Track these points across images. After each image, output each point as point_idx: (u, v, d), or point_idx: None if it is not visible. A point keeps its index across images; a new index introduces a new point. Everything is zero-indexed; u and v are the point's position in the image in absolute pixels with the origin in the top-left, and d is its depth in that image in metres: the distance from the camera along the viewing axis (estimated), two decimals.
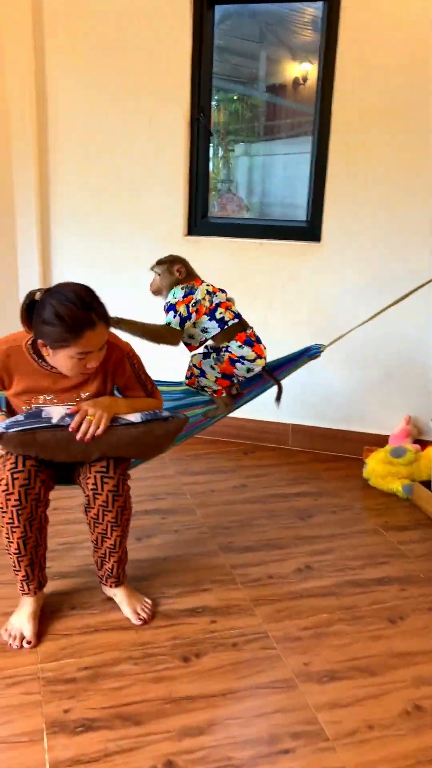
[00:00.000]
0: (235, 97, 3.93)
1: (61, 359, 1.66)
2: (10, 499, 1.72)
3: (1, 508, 1.74)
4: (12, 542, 1.78)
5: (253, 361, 2.26)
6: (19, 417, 1.73)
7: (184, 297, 2.20)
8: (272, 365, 2.38)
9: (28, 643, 1.84)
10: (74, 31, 3.04)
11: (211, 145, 3.19)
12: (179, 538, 2.44)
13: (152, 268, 2.29)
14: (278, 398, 2.42)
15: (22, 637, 1.85)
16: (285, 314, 3.14)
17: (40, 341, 1.66)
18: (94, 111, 3.12)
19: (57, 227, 3.31)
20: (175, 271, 2.25)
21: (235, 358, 2.25)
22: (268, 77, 3.86)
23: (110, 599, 2.04)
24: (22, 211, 3.25)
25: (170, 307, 2.19)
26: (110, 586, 1.99)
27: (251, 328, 2.30)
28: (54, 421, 1.70)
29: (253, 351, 2.25)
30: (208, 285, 2.26)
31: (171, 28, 2.94)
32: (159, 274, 2.28)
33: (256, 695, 1.71)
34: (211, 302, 2.23)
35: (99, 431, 1.71)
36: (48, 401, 1.80)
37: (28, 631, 1.86)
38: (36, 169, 3.19)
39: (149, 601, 2.01)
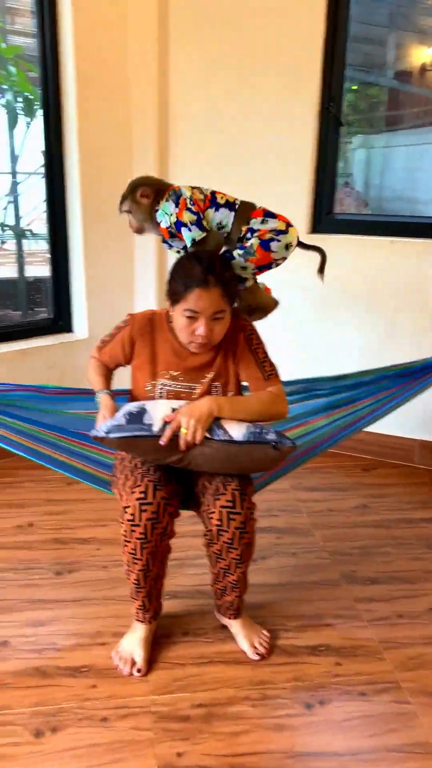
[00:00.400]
0: (354, 87, 3.69)
1: (176, 316, 1.66)
2: (135, 531, 1.60)
3: (125, 537, 1.63)
4: (132, 572, 1.68)
5: (285, 232, 1.79)
6: (121, 418, 1.62)
7: (177, 205, 1.78)
8: (390, 373, 2.12)
9: (138, 671, 1.73)
10: (198, 16, 2.91)
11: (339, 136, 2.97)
12: (297, 563, 2.26)
13: (120, 211, 1.89)
14: (321, 269, 1.97)
15: (133, 663, 1.74)
16: (415, 320, 2.87)
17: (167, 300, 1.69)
18: (217, 99, 2.98)
19: None
20: (141, 198, 1.82)
21: (266, 237, 1.78)
22: (396, 63, 3.58)
23: (224, 627, 1.89)
24: None
25: (178, 225, 1.77)
26: (227, 617, 1.85)
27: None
28: (155, 429, 1.59)
29: (279, 220, 1.80)
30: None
31: (303, 12, 2.75)
32: (129, 212, 1.85)
33: (388, 759, 1.50)
34: (203, 192, 1.81)
35: (197, 439, 1.58)
36: (174, 378, 1.72)
37: (139, 657, 1.75)
38: (156, 158, 3.10)
39: (267, 634, 1.85)
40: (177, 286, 1.63)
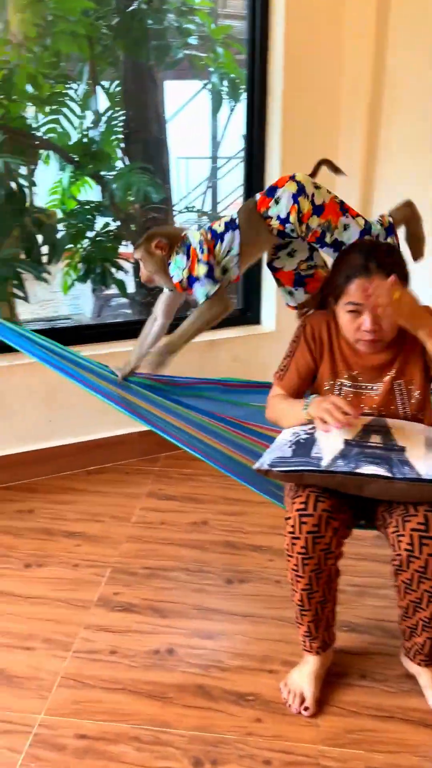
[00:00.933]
0: None
1: (340, 313, 1.56)
2: (296, 545, 1.44)
3: (287, 551, 1.47)
4: (296, 591, 1.51)
5: (288, 216, 1.70)
6: (287, 450, 1.46)
7: (188, 258, 1.75)
8: None
9: (306, 709, 1.56)
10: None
11: None
12: None
13: (132, 259, 1.85)
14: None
15: (302, 700, 1.58)
16: None
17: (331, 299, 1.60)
18: None
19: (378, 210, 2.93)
20: (155, 249, 1.78)
21: (281, 229, 1.73)
22: None
23: (410, 676, 1.65)
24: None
25: (191, 282, 1.75)
26: (416, 664, 1.60)
27: None
28: (323, 464, 1.40)
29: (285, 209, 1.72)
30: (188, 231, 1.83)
31: None
32: (140, 261, 1.83)
33: None
34: (207, 230, 1.78)
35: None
36: (353, 377, 1.60)
37: (308, 693, 1.58)
38: (363, 149, 2.84)
39: None
40: (336, 279, 1.55)
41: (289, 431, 1.55)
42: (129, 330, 2.61)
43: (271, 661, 1.73)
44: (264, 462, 1.47)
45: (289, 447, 1.47)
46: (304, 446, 1.46)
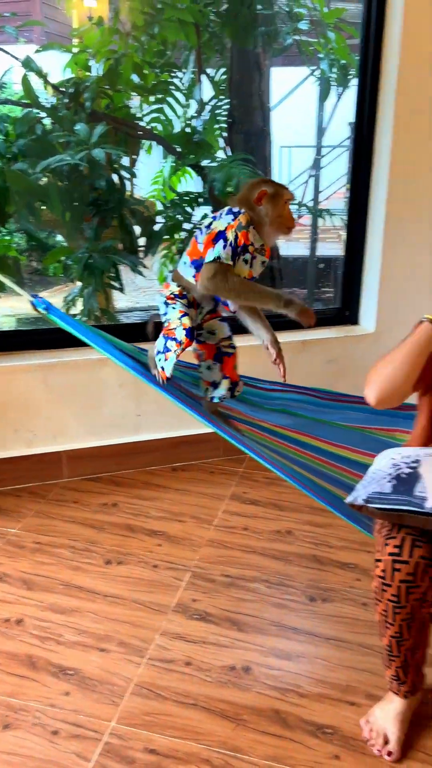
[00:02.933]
0: None
1: None
2: (386, 591, 1.30)
3: (376, 596, 1.34)
4: (384, 636, 1.38)
5: None
6: (386, 484, 1.31)
7: (234, 218, 1.66)
8: None
9: (389, 754, 1.44)
10: None
11: None
12: None
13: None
14: None
15: (386, 741, 1.46)
16: None
17: None
18: None
19: None
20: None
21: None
22: None
23: None
24: None
25: (218, 236, 1.64)
26: None
27: None
28: (428, 505, 1.23)
29: None
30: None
31: None
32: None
33: None
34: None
35: None
36: None
37: (393, 735, 1.46)
38: None
39: None
40: None
41: (388, 462, 1.39)
42: None
43: (354, 692, 1.62)
44: (359, 496, 1.33)
45: (389, 481, 1.32)
46: (406, 482, 1.31)
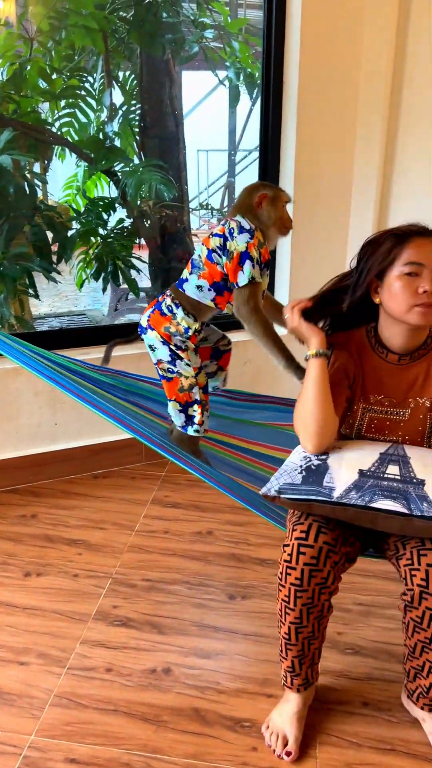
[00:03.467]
0: None
1: (392, 285, 1.40)
2: (291, 575, 1.36)
3: (280, 581, 1.40)
4: (284, 623, 1.43)
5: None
6: (296, 476, 1.38)
7: (251, 236, 1.70)
8: None
9: (288, 754, 1.47)
10: None
11: None
12: None
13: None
14: None
15: (285, 743, 1.49)
16: None
17: (372, 287, 1.45)
18: None
19: (395, 211, 2.84)
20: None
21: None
22: None
23: None
24: (361, 190, 2.85)
25: (243, 257, 1.68)
26: (420, 708, 1.52)
27: None
28: (335, 495, 1.32)
29: None
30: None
31: None
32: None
33: None
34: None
35: None
36: (379, 402, 1.50)
37: (291, 735, 1.49)
38: (380, 149, 2.75)
39: None
40: (388, 246, 1.40)
41: (299, 455, 1.46)
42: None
43: (271, 684, 1.67)
44: (271, 487, 1.39)
45: (299, 473, 1.39)
46: (315, 473, 1.38)
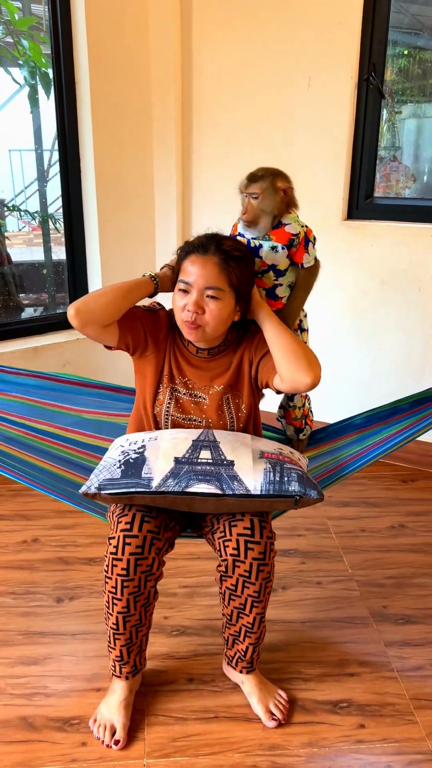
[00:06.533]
0: (406, 52, 3.32)
1: (174, 297, 1.50)
2: (117, 566, 1.41)
3: (106, 573, 1.44)
4: (111, 614, 1.48)
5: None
6: (115, 471, 1.42)
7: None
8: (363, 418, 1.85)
9: (116, 743, 1.50)
10: None
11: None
12: (321, 594, 2.03)
13: (245, 191, 1.59)
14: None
15: (113, 732, 1.51)
16: None
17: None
18: (243, 69, 2.70)
19: (197, 204, 2.97)
20: (279, 189, 1.57)
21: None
22: None
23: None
24: (162, 185, 2.95)
25: (306, 242, 1.62)
26: (239, 671, 1.63)
27: None
28: (154, 485, 1.38)
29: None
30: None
31: None
32: (257, 196, 1.57)
33: None
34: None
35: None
36: (185, 384, 1.56)
37: (118, 724, 1.52)
38: (177, 141, 2.86)
39: (284, 696, 1.62)
40: (178, 258, 1.52)
41: (117, 451, 1.48)
42: None
43: (100, 678, 1.69)
44: (91, 485, 1.41)
45: (118, 468, 1.42)
46: (133, 466, 1.41)
